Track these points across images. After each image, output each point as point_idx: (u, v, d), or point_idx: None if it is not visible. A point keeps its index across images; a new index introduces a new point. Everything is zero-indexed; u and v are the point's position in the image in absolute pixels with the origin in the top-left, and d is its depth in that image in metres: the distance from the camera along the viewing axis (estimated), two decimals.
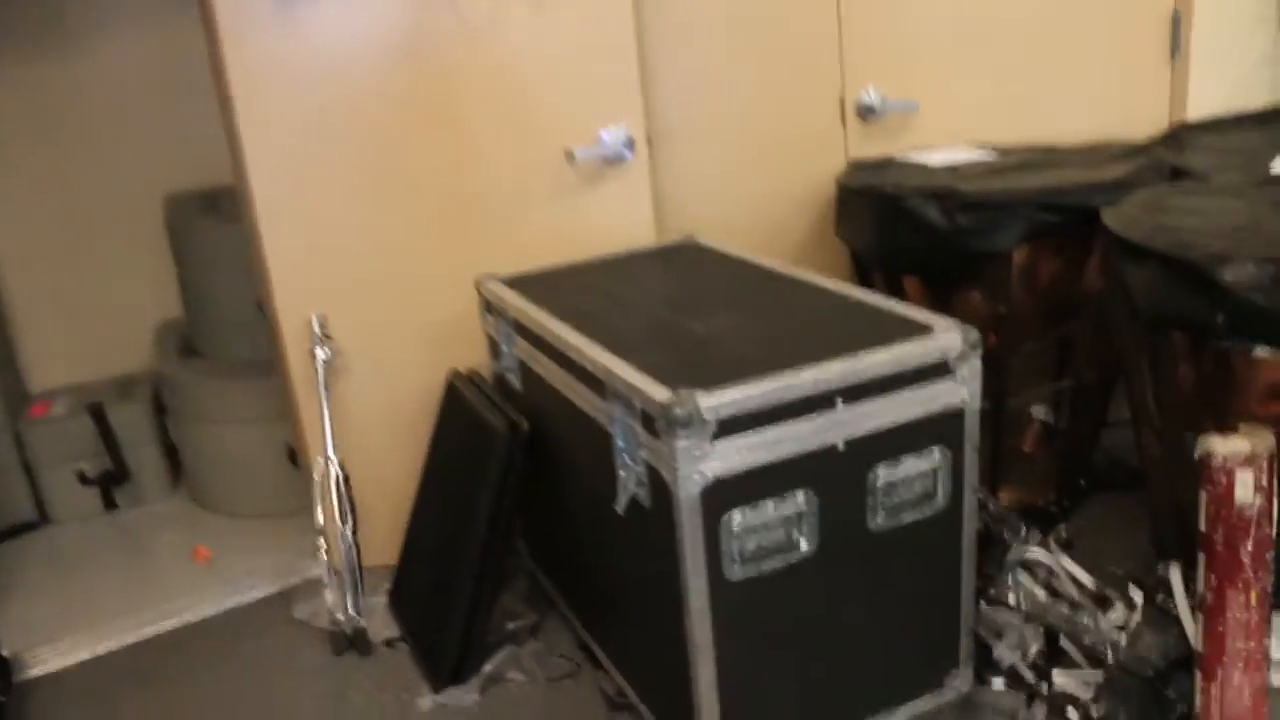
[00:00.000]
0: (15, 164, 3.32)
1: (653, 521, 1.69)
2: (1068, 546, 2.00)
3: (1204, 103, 3.07)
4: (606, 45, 2.46)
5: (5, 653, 2.37)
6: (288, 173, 2.32)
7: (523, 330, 2.14)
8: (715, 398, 1.57)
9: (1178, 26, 3.01)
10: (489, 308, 2.34)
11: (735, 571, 1.64)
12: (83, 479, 3.19)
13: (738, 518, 1.62)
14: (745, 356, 1.73)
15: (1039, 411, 2.43)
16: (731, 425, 1.58)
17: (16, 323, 3.42)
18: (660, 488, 1.63)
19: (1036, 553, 1.96)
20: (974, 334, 1.72)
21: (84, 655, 2.46)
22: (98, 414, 3.19)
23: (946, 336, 1.71)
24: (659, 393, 1.59)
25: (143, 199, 3.41)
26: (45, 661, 2.45)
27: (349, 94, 2.32)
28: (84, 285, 3.46)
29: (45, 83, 3.29)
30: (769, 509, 1.64)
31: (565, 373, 1.94)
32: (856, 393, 1.66)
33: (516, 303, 2.16)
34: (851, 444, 1.68)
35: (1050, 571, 1.94)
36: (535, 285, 2.26)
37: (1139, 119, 3.03)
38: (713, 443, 1.57)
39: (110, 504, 3.24)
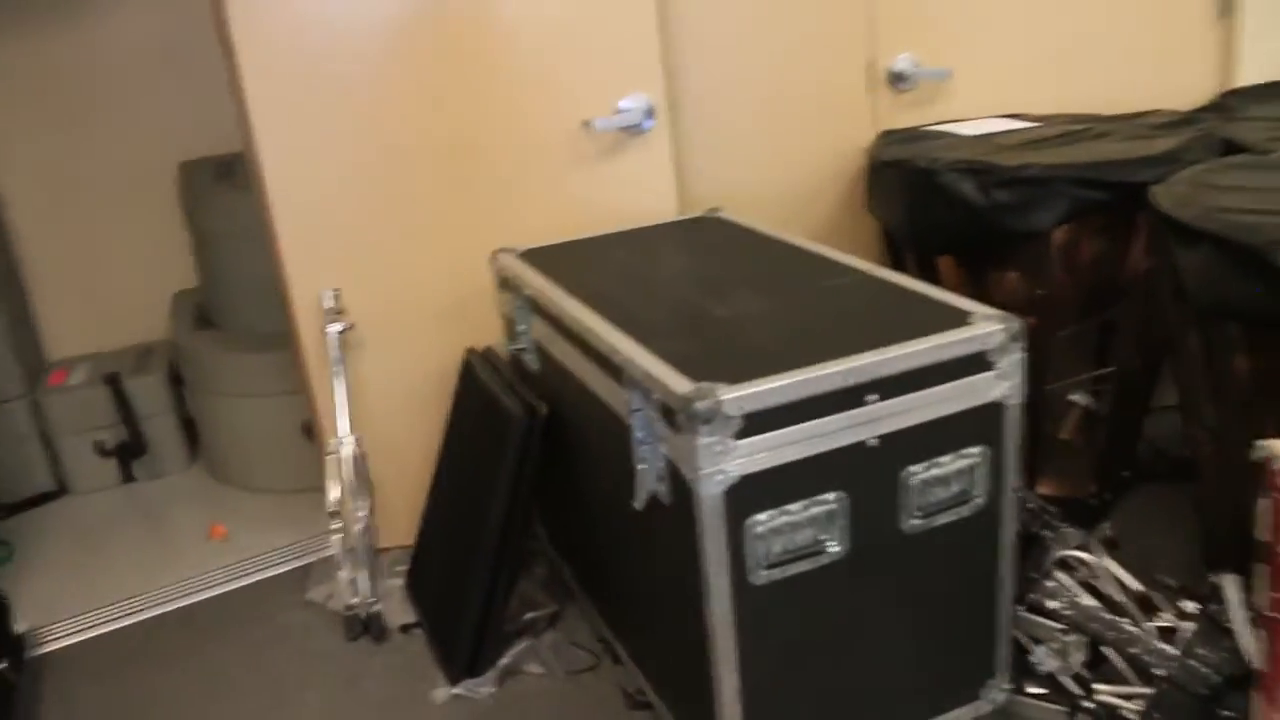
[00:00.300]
0: (31, 133, 3.28)
1: (673, 520, 1.61)
2: (1112, 547, 1.90)
3: (1256, 68, 2.93)
4: (625, 9, 2.35)
5: (19, 629, 2.35)
6: (297, 144, 2.26)
7: (539, 309, 2.06)
8: (740, 391, 1.48)
9: None
10: (504, 284, 2.26)
11: (760, 575, 1.56)
12: (101, 450, 3.17)
13: (763, 519, 1.54)
14: (772, 345, 1.64)
15: (1080, 397, 2.33)
16: (757, 421, 1.50)
17: (34, 290, 3.40)
18: (680, 485, 1.55)
19: (1079, 554, 1.87)
20: (1015, 324, 1.62)
21: (97, 631, 2.44)
22: (114, 384, 3.16)
23: (986, 326, 1.61)
24: (680, 385, 1.51)
25: (158, 166, 3.37)
26: (58, 638, 2.43)
27: (359, 63, 2.24)
28: (100, 253, 3.44)
29: (58, 51, 3.24)
30: (796, 509, 1.56)
31: (583, 356, 1.86)
32: (890, 386, 1.57)
33: (533, 280, 2.08)
34: (884, 440, 1.59)
35: (1093, 573, 1.85)
36: (552, 260, 2.17)
37: (1185, 85, 2.90)
38: (737, 439, 1.49)
39: (128, 476, 3.22)
